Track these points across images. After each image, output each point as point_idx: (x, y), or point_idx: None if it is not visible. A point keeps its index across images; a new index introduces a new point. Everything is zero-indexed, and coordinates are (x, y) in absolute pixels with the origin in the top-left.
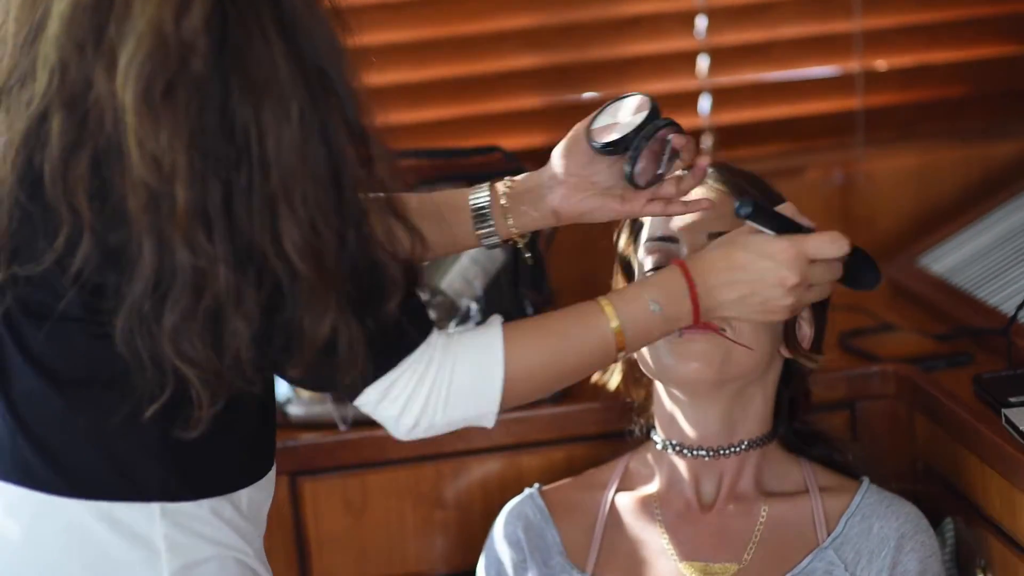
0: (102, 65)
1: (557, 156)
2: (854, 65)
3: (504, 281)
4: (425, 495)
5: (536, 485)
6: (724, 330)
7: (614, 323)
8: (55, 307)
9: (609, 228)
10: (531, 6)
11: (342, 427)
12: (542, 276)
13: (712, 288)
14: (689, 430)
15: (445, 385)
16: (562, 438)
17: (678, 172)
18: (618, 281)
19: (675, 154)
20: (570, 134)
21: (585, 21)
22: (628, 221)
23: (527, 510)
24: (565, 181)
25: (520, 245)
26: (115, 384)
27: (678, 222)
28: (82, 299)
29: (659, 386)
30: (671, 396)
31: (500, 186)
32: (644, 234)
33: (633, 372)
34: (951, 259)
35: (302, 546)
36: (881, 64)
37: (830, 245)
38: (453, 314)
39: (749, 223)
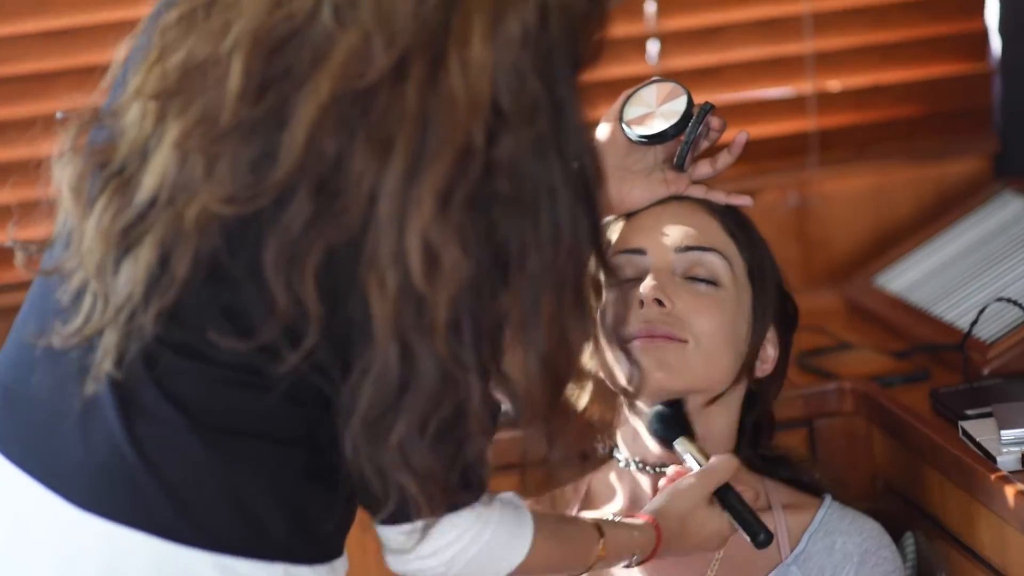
0: (366, 157)
1: None
2: (807, 86)
3: None
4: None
5: None
6: (686, 341)
7: (600, 543)
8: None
9: None
10: None
11: None
12: None
13: (670, 543)
14: (652, 448)
15: (472, 551)
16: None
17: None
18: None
19: (706, 132)
20: (601, 127)
21: None
22: None
23: None
24: (610, 176)
25: None
26: (281, 442)
27: (646, 234)
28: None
29: (624, 405)
30: (637, 412)
31: None
32: (613, 247)
33: (600, 391)
34: (907, 277)
35: None
36: (834, 85)
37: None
38: None
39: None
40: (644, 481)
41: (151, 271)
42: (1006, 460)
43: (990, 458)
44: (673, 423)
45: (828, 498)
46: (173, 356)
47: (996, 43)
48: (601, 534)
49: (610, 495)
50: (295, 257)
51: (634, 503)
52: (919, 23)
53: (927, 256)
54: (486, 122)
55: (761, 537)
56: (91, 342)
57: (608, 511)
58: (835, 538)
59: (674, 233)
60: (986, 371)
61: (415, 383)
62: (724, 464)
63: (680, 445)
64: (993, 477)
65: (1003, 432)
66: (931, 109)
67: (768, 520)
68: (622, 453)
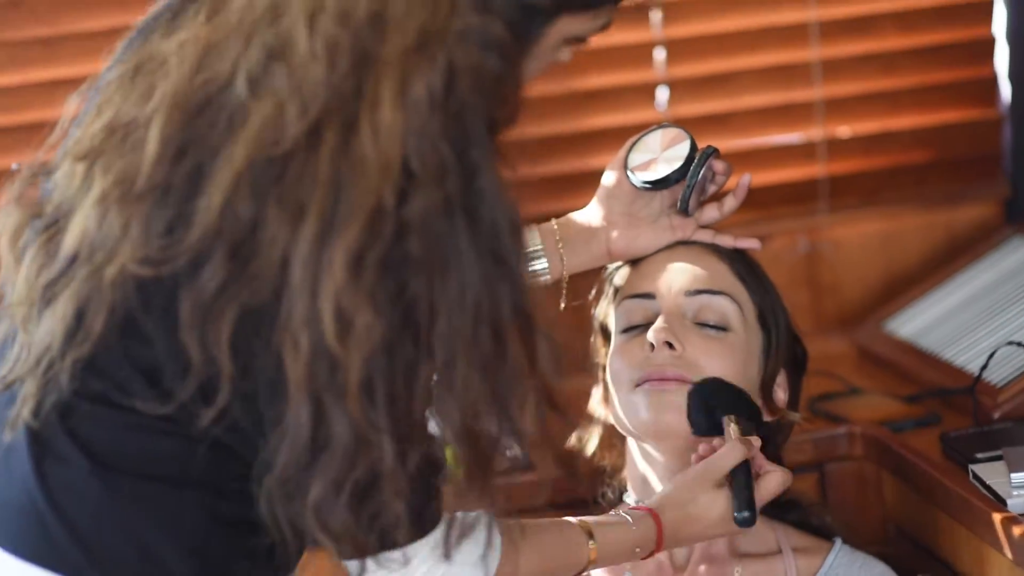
0: (279, 221)
1: (600, 200)
2: (816, 132)
3: None
4: None
5: None
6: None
7: (591, 544)
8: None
9: (573, 307)
10: None
11: None
12: None
13: (666, 507)
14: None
15: (441, 570)
16: (529, 507)
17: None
18: (598, 345)
19: (712, 177)
20: (606, 175)
21: (544, 95)
22: (600, 284)
23: None
24: (615, 222)
25: (564, 285)
26: (186, 485)
27: (654, 279)
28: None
29: (633, 447)
30: (646, 456)
31: (550, 228)
32: (621, 292)
33: (608, 436)
34: (917, 323)
35: None
36: (843, 131)
37: (727, 454)
38: None
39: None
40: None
41: (68, 324)
42: (1017, 503)
43: (1000, 501)
44: (723, 397)
45: (839, 541)
46: (89, 405)
47: (1006, 89)
48: (590, 536)
49: None
50: (209, 318)
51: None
52: (928, 69)
53: (937, 301)
54: (397, 185)
55: (743, 515)
56: (12, 390)
57: None
58: None
59: (683, 277)
60: (997, 415)
61: (329, 444)
62: (736, 447)
63: (728, 422)
64: (1003, 520)
65: (1013, 475)
66: (941, 155)
67: (779, 564)
68: (631, 497)
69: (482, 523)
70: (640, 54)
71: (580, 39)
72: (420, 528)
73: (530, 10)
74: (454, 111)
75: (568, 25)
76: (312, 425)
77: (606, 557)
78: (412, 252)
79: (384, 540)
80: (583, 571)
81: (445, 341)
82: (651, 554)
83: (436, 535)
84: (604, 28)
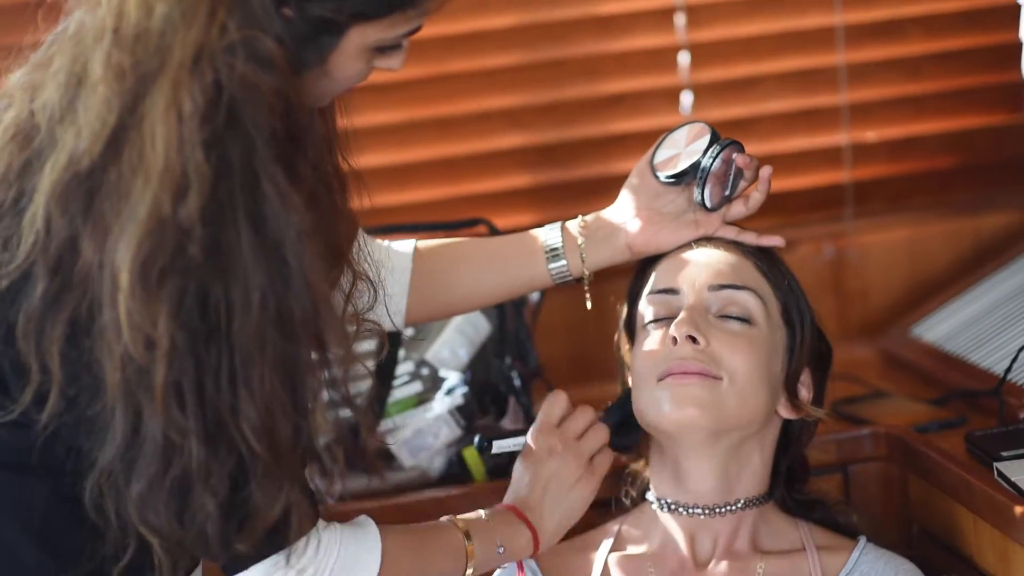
0: (91, 235)
1: (625, 194)
2: (842, 138)
3: (490, 351)
4: None
5: None
6: (720, 378)
7: (467, 540)
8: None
9: (600, 312)
10: (515, 86)
11: (330, 500)
12: (529, 347)
13: (531, 508)
14: (685, 488)
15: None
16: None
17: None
18: (622, 343)
19: (740, 173)
20: (634, 171)
21: (569, 99)
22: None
23: (516, 573)
24: (637, 216)
25: (587, 283)
26: (29, 471)
27: (678, 274)
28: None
29: (655, 443)
30: (668, 452)
31: (573, 225)
32: (646, 287)
33: None
34: (943, 328)
35: None
36: (869, 136)
37: (551, 404)
38: (438, 385)
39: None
40: (676, 523)
41: None
42: None
43: None
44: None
45: (863, 539)
46: None
47: None
48: (468, 537)
49: (642, 537)
50: (41, 328)
51: (666, 544)
52: (954, 75)
53: (963, 307)
54: (174, 193)
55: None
56: None
57: (639, 552)
58: None
59: (707, 272)
60: (1022, 415)
61: (144, 444)
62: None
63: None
64: None
65: None
66: (967, 161)
67: (803, 562)
68: (653, 495)
69: (361, 529)
70: (664, 58)
71: (393, 46)
72: (264, 537)
73: (315, 23)
74: (226, 121)
75: (364, 35)
76: (128, 426)
77: (483, 553)
78: (195, 257)
79: (206, 541)
80: (465, 571)
81: (239, 342)
82: (534, 551)
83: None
84: (412, 32)
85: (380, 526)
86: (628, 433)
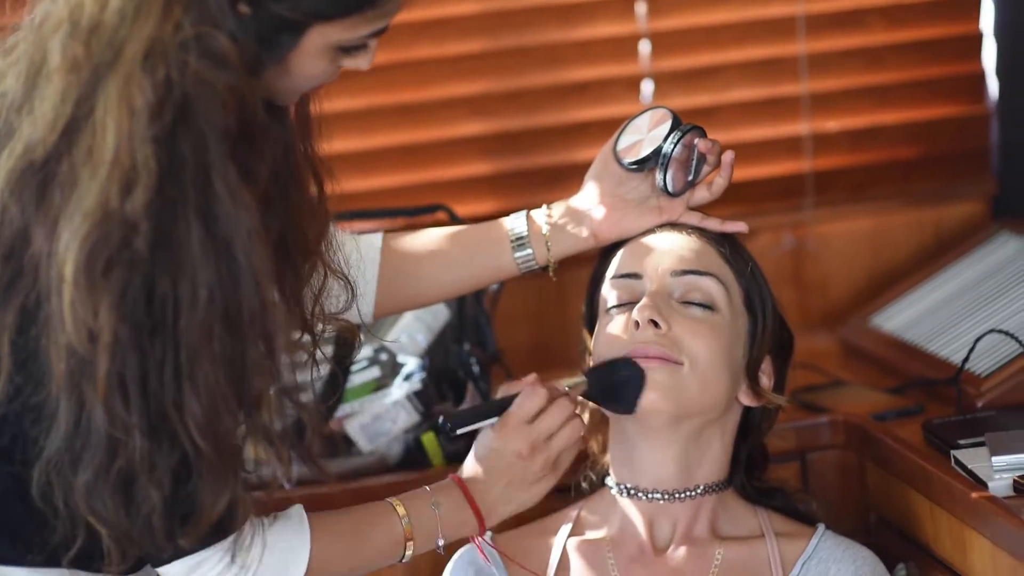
0: (42, 225)
1: (589, 182)
2: (803, 127)
3: (449, 338)
4: None
5: (488, 533)
6: (682, 363)
7: (404, 519)
8: None
9: (560, 299)
10: (477, 74)
11: (286, 485)
12: (488, 333)
13: (483, 496)
14: (645, 473)
15: (251, 571)
16: None
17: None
18: (584, 330)
19: (703, 158)
20: (597, 158)
21: (531, 88)
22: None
23: (478, 557)
24: (601, 203)
25: (552, 272)
26: None
27: (641, 259)
28: None
29: (615, 428)
30: (628, 437)
31: (538, 214)
32: (609, 272)
33: (595, 420)
34: (903, 317)
35: None
36: (830, 126)
37: (527, 399)
38: (397, 371)
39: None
40: (636, 508)
41: None
42: (998, 486)
43: (982, 484)
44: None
45: (822, 527)
46: None
47: (993, 85)
48: (404, 515)
49: (601, 521)
50: None
51: (624, 529)
52: (916, 65)
53: (923, 296)
54: (122, 187)
55: (440, 421)
56: None
57: (597, 536)
58: (829, 565)
59: (669, 258)
60: (980, 404)
61: (88, 436)
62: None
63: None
64: (985, 502)
65: (995, 458)
66: (929, 151)
67: (762, 548)
68: (613, 480)
69: (285, 519)
70: (626, 47)
71: (358, 47)
72: (209, 529)
73: (273, 21)
74: (177, 118)
75: (325, 35)
76: (73, 417)
77: (422, 531)
78: (140, 251)
79: (152, 533)
80: (404, 551)
81: (186, 337)
82: (480, 524)
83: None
84: (378, 33)
85: (311, 514)
86: (613, 392)
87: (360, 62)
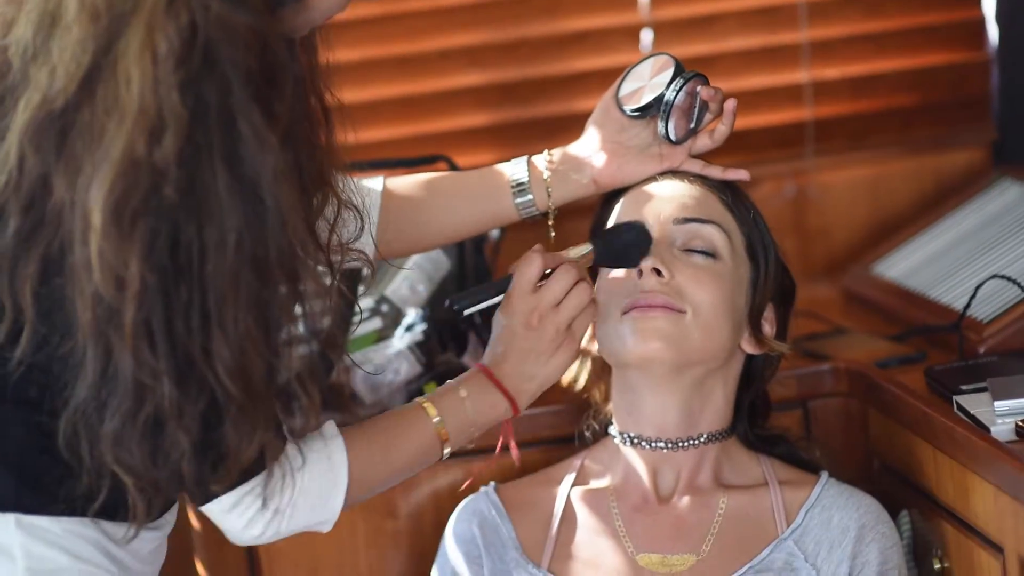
0: (63, 174)
1: (591, 128)
2: (802, 76)
3: (450, 288)
4: (375, 507)
5: (492, 483)
6: (684, 311)
7: (436, 419)
8: None
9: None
10: (475, 24)
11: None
12: None
13: (507, 377)
14: (648, 421)
15: (290, 498)
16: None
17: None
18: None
19: (705, 105)
20: (599, 104)
21: (530, 38)
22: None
23: (482, 506)
24: (602, 150)
25: (551, 218)
26: (5, 401)
27: (643, 207)
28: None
29: (618, 377)
30: (631, 386)
31: (539, 160)
32: (611, 220)
33: (597, 369)
34: (904, 265)
35: (253, 561)
36: (830, 74)
37: (525, 267)
38: (398, 321)
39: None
40: (639, 457)
41: None
42: (1000, 430)
43: (984, 429)
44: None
45: (825, 475)
46: None
47: (993, 31)
48: (435, 416)
49: (604, 471)
50: (15, 266)
51: (628, 478)
52: (916, 11)
53: (925, 243)
54: (149, 134)
55: (447, 302)
56: None
57: (600, 485)
58: (832, 513)
59: (671, 206)
60: (982, 349)
61: (116, 382)
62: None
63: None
64: (987, 446)
65: (997, 403)
66: (929, 98)
67: (765, 496)
68: (616, 429)
69: (319, 439)
70: None
71: None
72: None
73: None
74: (202, 62)
75: None
76: (100, 365)
77: (456, 426)
78: (169, 198)
79: (180, 481)
80: (442, 450)
81: (213, 282)
82: (514, 414)
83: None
84: None
85: (344, 431)
86: (622, 254)
87: None
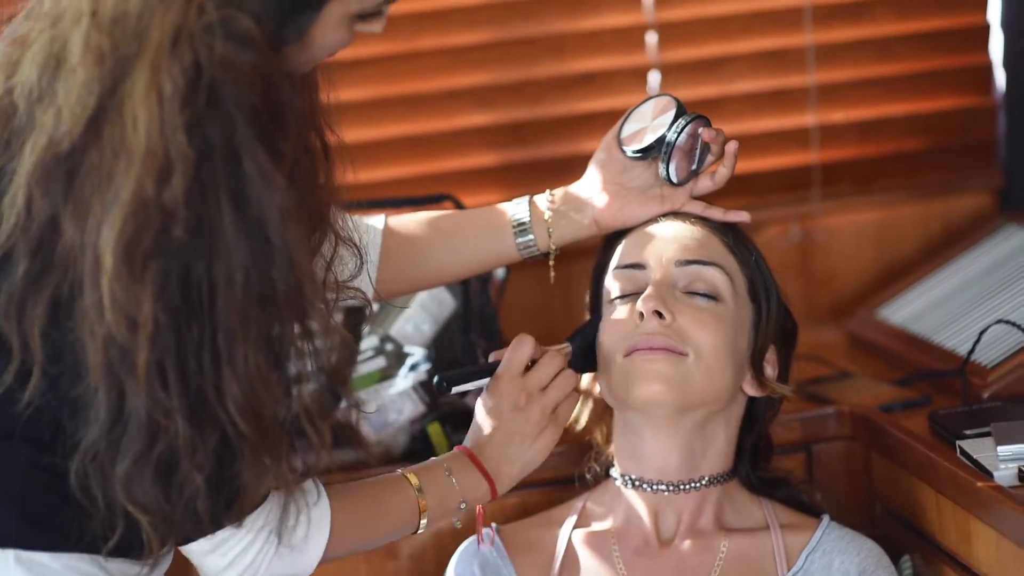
0: (72, 216)
1: (592, 168)
2: (810, 119)
3: (455, 328)
4: (377, 547)
5: (493, 524)
6: (686, 354)
7: (417, 489)
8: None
9: (565, 290)
10: (483, 65)
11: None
12: (494, 324)
13: (488, 458)
14: (649, 464)
15: (275, 545)
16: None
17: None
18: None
19: (707, 147)
20: (601, 145)
21: (537, 78)
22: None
23: (483, 548)
24: (603, 191)
25: (552, 259)
26: (9, 437)
27: (645, 249)
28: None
29: (620, 419)
30: (632, 428)
31: (540, 200)
32: (613, 262)
33: (599, 410)
34: (909, 309)
35: None
36: (837, 117)
37: (515, 351)
38: (402, 361)
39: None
40: (641, 499)
41: None
42: (1003, 475)
43: (987, 474)
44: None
45: (826, 518)
46: None
47: (1000, 77)
48: (417, 486)
49: (606, 513)
50: (22, 308)
51: (629, 521)
52: (923, 56)
53: (930, 288)
54: (157, 174)
55: (436, 379)
56: None
57: (602, 528)
58: (833, 557)
59: (673, 247)
60: (986, 395)
61: (128, 423)
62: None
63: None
64: (990, 491)
65: (1000, 448)
66: (935, 143)
67: (767, 540)
68: (617, 471)
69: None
70: (633, 38)
71: (375, 13)
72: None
73: None
74: (207, 102)
75: (345, 5)
76: (111, 406)
77: (436, 501)
78: (179, 238)
79: (195, 518)
80: (419, 521)
81: (223, 320)
82: (492, 497)
83: (263, 516)
84: (390, 1)
85: (329, 489)
86: (591, 356)
87: (375, 27)
